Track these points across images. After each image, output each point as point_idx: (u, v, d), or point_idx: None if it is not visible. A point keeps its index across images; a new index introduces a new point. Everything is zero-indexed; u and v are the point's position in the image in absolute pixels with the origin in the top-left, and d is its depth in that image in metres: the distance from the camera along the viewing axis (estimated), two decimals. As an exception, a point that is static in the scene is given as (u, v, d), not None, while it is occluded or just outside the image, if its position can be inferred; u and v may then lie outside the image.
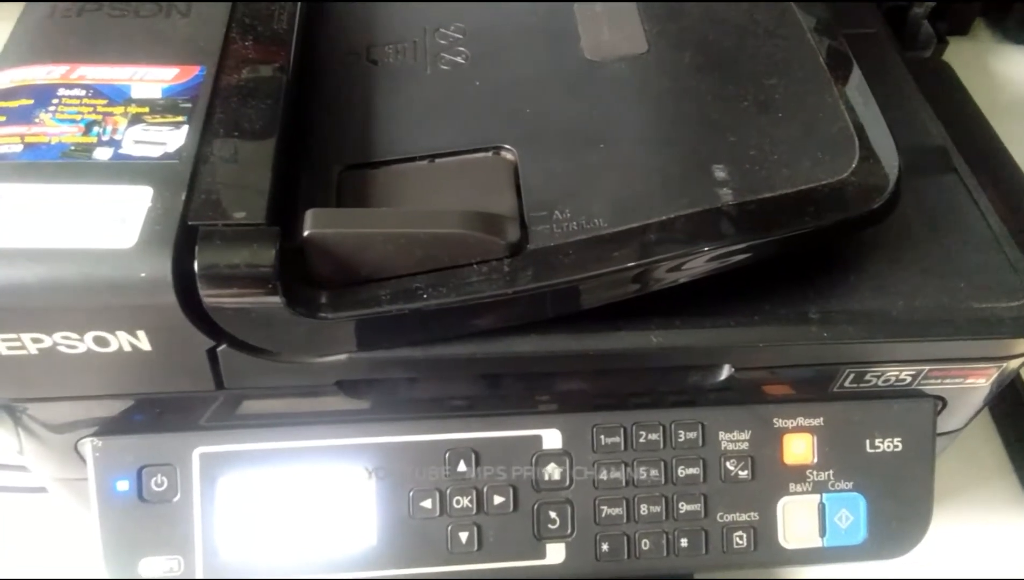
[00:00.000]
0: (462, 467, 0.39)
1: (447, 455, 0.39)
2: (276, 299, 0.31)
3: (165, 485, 0.37)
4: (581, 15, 0.43)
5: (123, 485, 0.37)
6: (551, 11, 0.44)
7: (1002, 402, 0.58)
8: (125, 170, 0.33)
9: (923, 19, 0.75)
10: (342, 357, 0.34)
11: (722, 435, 0.40)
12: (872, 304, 0.38)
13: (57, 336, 0.32)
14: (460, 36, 0.43)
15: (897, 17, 0.75)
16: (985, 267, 0.39)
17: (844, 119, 0.38)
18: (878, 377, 0.39)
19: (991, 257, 0.40)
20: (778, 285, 0.38)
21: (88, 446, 0.37)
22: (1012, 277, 0.39)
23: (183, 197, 0.32)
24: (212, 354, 0.33)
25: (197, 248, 0.31)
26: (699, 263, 0.34)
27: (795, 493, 0.40)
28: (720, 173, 0.36)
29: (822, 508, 0.40)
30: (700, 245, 0.34)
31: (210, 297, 0.31)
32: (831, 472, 0.40)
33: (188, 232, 0.31)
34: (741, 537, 0.40)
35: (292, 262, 0.32)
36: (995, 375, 0.39)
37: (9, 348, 0.32)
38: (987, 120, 0.60)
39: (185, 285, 0.31)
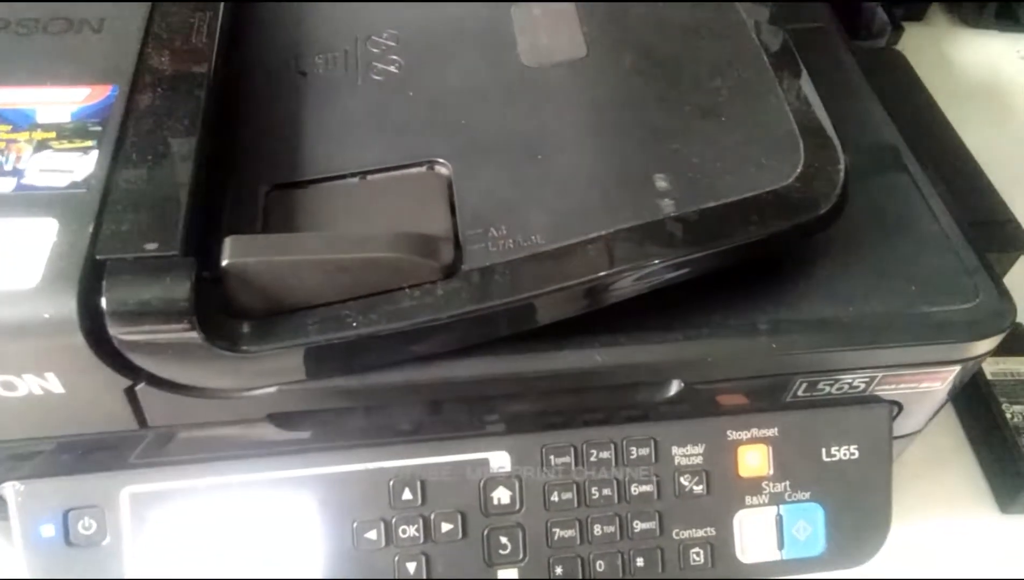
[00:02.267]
0: (407, 495, 0.37)
1: (391, 484, 0.37)
2: (193, 334, 0.30)
3: (93, 528, 0.35)
4: (518, 18, 0.42)
5: (48, 530, 0.35)
6: (488, 14, 0.42)
7: (964, 394, 0.58)
8: (28, 201, 0.31)
9: (877, 7, 0.75)
10: (271, 390, 0.33)
11: (675, 450, 0.38)
12: (823, 311, 0.37)
13: (-39, 381, 0.30)
14: (393, 43, 0.41)
15: (851, 5, 0.74)
16: (937, 270, 0.38)
17: (789, 122, 0.37)
18: (831, 385, 0.38)
19: (943, 259, 0.39)
20: (725, 295, 0.37)
21: (10, 491, 0.35)
22: (965, 279, 0.38)
23: (90, 229, 0.30)
24: (131, 393, 0.31)
25: (104, 284, 0.29)
26: (641, 278, 0.33)
27: (752, 506, 0.39)
28: (662, 183, 0.35)
29: (779, 520, 0.39)
30: (642, 260, 0.33)
31: (122, 335, 0.29)
32: (787, 483, 0.39)
33: (96, 267, 0.29)
34: (698, 554, 0.38)
35: (211, 293, 0.30)
36: (950, 378, 0.38)
37: (-90, 396, 0.30)
38: (941, 111, 0.59)
39: (94, 324, 0.29)
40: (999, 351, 0.41)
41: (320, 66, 0.40)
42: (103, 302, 0.29)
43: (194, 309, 0.29)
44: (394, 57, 0.41)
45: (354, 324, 0.31)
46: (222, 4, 0.39)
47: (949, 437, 0.58)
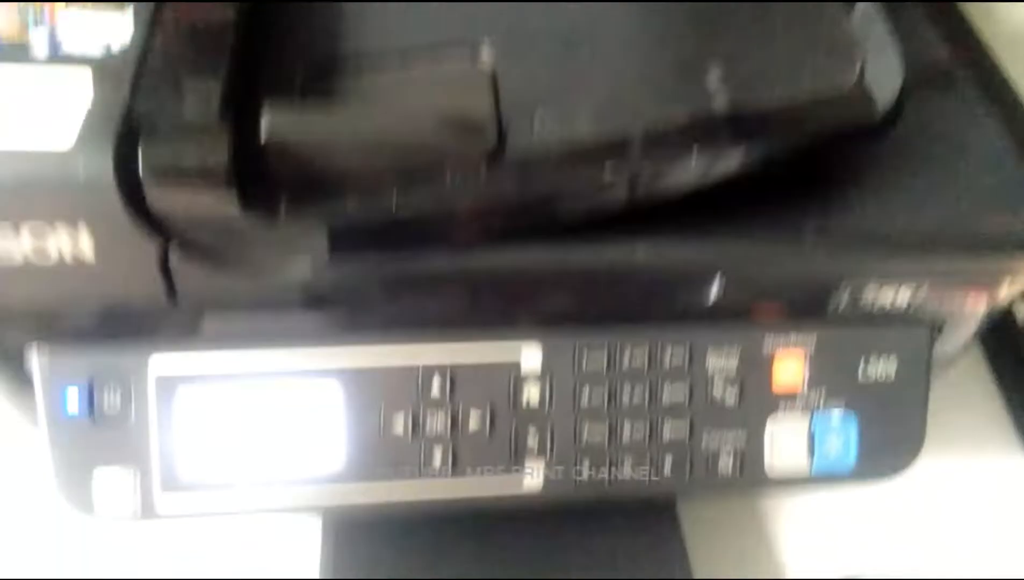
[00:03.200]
0: (436, 388, 0.37)
1: (420, 376, 0.37)
2: (230, 203, 0.29)
3: (118, 405, 0.35)
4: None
5: (72, 396, 0.35)
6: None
7: (993, 336, 0.57)
8: (63, 60, 0.30)
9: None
10: (304, 268, 0.32)
11: (710, 356, 0.38)
12: (873, 220, 0.35)
13: (-6, 242, 0.29)
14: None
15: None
16: (991, 183, 0.37)
17: (849, 28, 0.35)
18: (875, 297, 0.37)
19: (997, 173, 0.37)
20: (773, 199, 0.35)
21: (35, 352, 0.35)
22: (1019, 192, 0.37)
23: (127, 91, 0.29)
24: (163, 260, 0.31)
25: (141, 145, 0.28)
26: (690, 172, 0.32)
27: (784, 417, 0.38)
28: (715, 78, 0.34)
29: (811, 432, 0.39)
30: (690, 153, 0.32)
31: (158, 200, 0.29)
32: (822, 396, 0.39)
33: (133, 128, 0.28)
34: (727, 462, 0.38)
35: (250, 164, 0.29)
36: (997, 296, 0.37)
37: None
38: (987, 42, 0.57)
39: (131, 187, 0.28)
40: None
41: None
42: (140, 164, 0.28)
43: (231, 177, 0.28)
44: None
45: (393, 203, 0.30)
46: None
47: (977, 380, 0.57)
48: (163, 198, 0.29)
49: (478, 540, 0.42)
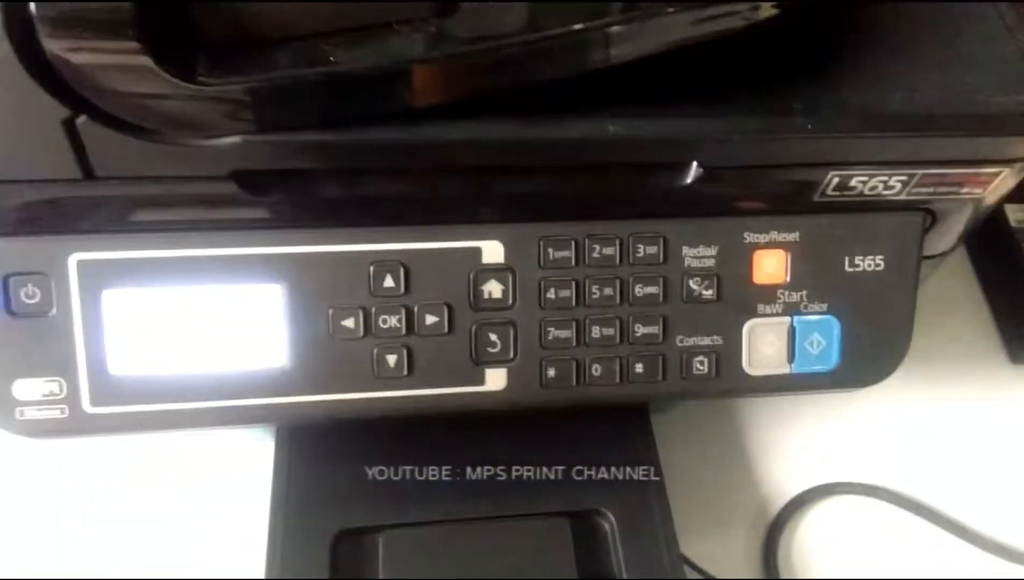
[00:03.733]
0: (389, 282, 0.34)
1: (372, 268, 0.33)
2: (140, 54, 0.25)
3: (38, 297, 0.32)
4: None
5: (-13, 292, 0.32)
6: None
7: (982, 242, 0.55)
8: None
9: None
10: (235, 139, 0.28)
11: (686, 250, 0.35)
12: (866, 96, 0.32)
13: None
14: None
15: None
16: (996, 60, 0.34)
17: None
18: (865, 184, 0.34)
19: (1003, 49, 0.35)
20: (759, 74, 0.32)
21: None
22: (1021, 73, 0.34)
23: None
24: (71, 127, 0.27)
25: (31, -15, 0.24)
26: (668, 24, 0.29)
27: (764, 315, 0.36)
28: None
29: (792, 331, 0.36)
30: (668, 2, 0.28)
31: (55, 49, 0.25)
32: (804, 293, 0.36)
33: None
34: (702, 362, 0.36)
35: (165, 12, 0.26)
36: (995, 183, 0.35)
37: None
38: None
39: (24, 33, 0.24)
40: (1024, 198, 0.38)
41: None
42: (32, 6, 0.24)
43: (139, 22, 0.24)
44: None
45: (332, 59, 0.27)
46: None
47: (963, 286, 0.55)
48: (63, 50, 0.25)
49: (440, 438, 0.40)
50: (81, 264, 0.32)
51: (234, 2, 0.26)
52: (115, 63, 0.25)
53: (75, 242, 0.32)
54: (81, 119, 0.27)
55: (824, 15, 0.33)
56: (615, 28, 0.28)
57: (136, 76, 0.26)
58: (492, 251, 0.34)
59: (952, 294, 0.54)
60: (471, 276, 0.34)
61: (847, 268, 0.36)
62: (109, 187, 0.30)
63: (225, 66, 0.27)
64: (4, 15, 0.24)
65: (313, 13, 0.27)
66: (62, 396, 0.32)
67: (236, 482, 0.43)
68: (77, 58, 0.25)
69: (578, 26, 0.27)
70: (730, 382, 0.36)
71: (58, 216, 0.31)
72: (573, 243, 0.34)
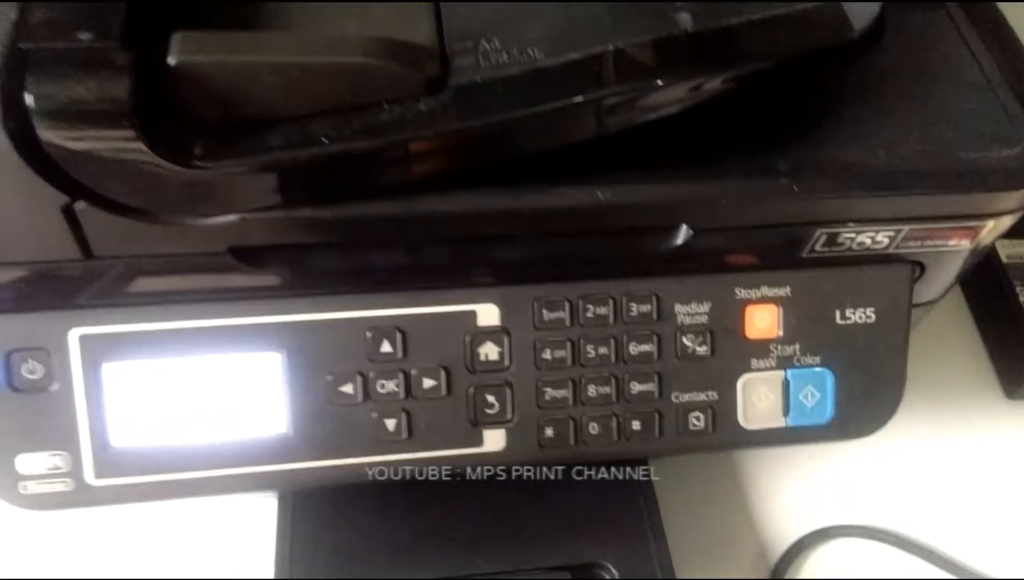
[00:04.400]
0: (387, 347, 0.34)
1: (369, 334, 0.34)
2: (136, 142, 0.26)
3: (40, 372, 0.32)
4: None
5: (-10, 369, 0.32)
6: None
7: (975, 278, 0.55)
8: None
9: None
10: (230, 218, 0.29)
11: (678, 307, 0.35)
12: (850, 155, 0.33)
13: None
14: None
15: None
16: (976, 114, 0.35)
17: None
18: (852, 240, 0.35)
19: (983, 103, 0.35)
20: (744, 134, 0.33)
21: (-55, 329, 0.32)
22: (1006, 125, 0.34)
23: (13, 15, 0.25)
24: (70, 213, 0.28)
25: (28, 76, 0.25)
26: (650, 102, 0.29)
27: (758, 369, 0.36)
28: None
29: (786, 385, 0.37)
30: (652, 79, 0.29)
31: (52, 138, 0.25)
32: (797, 346, 0.36)
33: (21, 57, 0.25)
34: (698, 418, 0.36)
35: (159, 97, 0.26)
36: (982, 234, 0.35)
37: None
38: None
39: (20, 124, 0.25)
40: (1015, 233, 0.38)
41: None
42: (28, 98, 0.25)
43: (135, 110, 0.25)
44: None
45: (324, 140, 0.27)
46: None
47: (957, 321, 0.56)
48: (60, 140, 0.25)
49: (439, 494, 0.40)
50: (82, 339, 0.32)
51: (225, 87, 0.27)
52: (111, 150, 0.26)
53: (75, 317, 0.32)
54: (79, 204, 0.27)
55: (805, 76, 0.33)
56: (603, 102, 0.28)
57: (132, 162, 0.26)
58: (487, 314, 0.35)
59: (945, 328, 0.55)
60: (467, 339, 0.35)
61: (839, 321, 0.36)
62: (108, 265, 0.30)
63: (219, 149, 0.27)
64: (4, 111, 0.25)
65: (304, 95, 0.27)
66: (66, 470, 0.33)
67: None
68: (73, 146, 0.26)
69: (565, 102, 0.28)
70: (727, 437, 0.36)
71: (58, 293, 0.32)
72: (567, 304, 0.35)
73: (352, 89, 0.28)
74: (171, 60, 0.26)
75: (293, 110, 0.28)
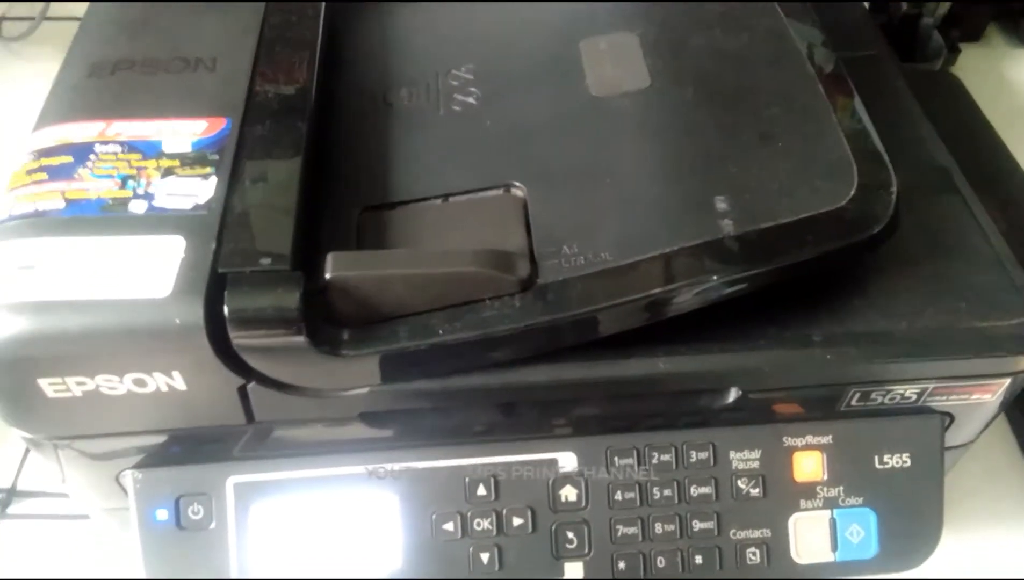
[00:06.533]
0: (482, 491, 0.40)
1: (467, 480, 0.40)
2: (301, 339, 0.33)
3: (201, 513, 0.40)
4: (586, 52, 0.45)
5: (162, 514, 0.39)
6: (558, 49, 0.46)
7: (1019, 408, 0.58)
8: (159, 222, 0.35)
9: (933, 29, 0.76)
10: (364, 391, 0.36)
11: (733, 454, 0.41)
12: (875, 325, 0.39)
13: (99, 379, 0.34)
14: (471, 77, 0.45)
15: (907, 28, 0.76)
16: (987, 286, 0.40)
17: (843, 146, 0.40)
18: (884, 395, 0.40)
19: (993, 277, 0.41)
20: (782, 309, 0.39)
21: (129, 478, 0.39)
22: (1014, 296, 0.40)
23: (213, 246, 0.34)
24: (243, 391, 0.35)
25: (226, 294, 0.33)
26: (702, 293, 0.36)
27: (806, 509, 0.41)
28: (722, 204, 0.38)
29: (833, 523, 0.41)
30: (702, 276, 0.36)
31: (240, 339, 0.33)
32: (841, 488, 0.41)
33: (218, 279, 0.33)
34: (754, 553, 0.41)
35: (315, 302, 0.34)
36: (1001, 390, 0.40)
37: (56, 391, 0.34)
38: (996, 133, 0.60)
39: (216, 329, 0.33)
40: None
41: (405, 97, 0.44)
42: (225, 310, 0.33)
43: (303, 317, 0.33)
44: (472, 89, 0.44)
45: (440, 332, 0.35)
46: (318, 44, 0.43)
47: (1003, 452, 0.59)
48: (245, 340, 0.33)
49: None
50: (237, 486, 0.40)
51: (366, 292, 0.35)
52: (283, 345, 0.34)
53: (232, 467, 0.40)
54: (251, 385, 0.35)
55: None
56: (663, 297, 0.35)
57: (297, 354, 0.34)
58: (567, 461, 0.41)
59: (994, 461, 0.57)
60: (550, 483, 0.41)
61: (877, 465, 0.41)
62: (264, 428, 0.38)
63: (361, 340, 0.35)
64: (205, 317, 0.33)
65: (425, 296, 0.35)
66: (218, 600, 0.39)
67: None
68: (256, 343, 0.34)
69: (633, 297, 0.35)
70: (780, 571, 0.41)
71: (219, 450, 0.39)
72: (635, 452, 0.41)
73: (461, 290, 0.35)
74: (327, 275, 0.34)
75: (416, 308, 0.35)
